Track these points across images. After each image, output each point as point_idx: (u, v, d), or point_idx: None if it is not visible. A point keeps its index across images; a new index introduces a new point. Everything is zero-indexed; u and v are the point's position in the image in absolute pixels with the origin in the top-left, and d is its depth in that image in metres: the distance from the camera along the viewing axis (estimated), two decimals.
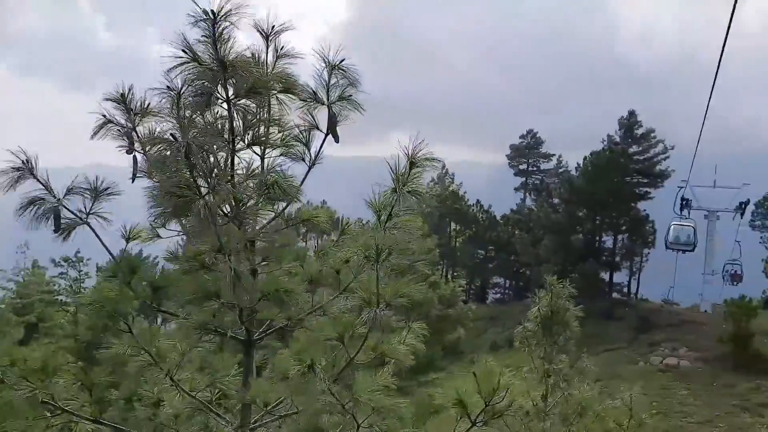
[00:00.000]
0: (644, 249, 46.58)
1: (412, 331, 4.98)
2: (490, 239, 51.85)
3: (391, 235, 4.04)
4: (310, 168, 4.58)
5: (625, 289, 48.07)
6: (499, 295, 55.51)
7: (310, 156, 4.57)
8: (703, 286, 39.90)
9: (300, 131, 4.53)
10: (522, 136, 57.45)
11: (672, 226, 36.36)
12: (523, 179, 57.31)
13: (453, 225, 52.76)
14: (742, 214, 38.69)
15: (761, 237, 46.21)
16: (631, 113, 45.93)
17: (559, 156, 54.09)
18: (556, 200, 46.33)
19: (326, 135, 4.48)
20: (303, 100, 4.44)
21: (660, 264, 46.95)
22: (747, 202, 38.69)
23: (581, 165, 43.98)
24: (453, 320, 26.63)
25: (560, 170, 50.18)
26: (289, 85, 4.34)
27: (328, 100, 4.40)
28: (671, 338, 35.07)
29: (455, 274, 56.03)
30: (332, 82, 4.38)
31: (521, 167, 58.03)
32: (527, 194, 55.39)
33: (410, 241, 4.17)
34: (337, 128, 4.45)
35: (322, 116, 4.47)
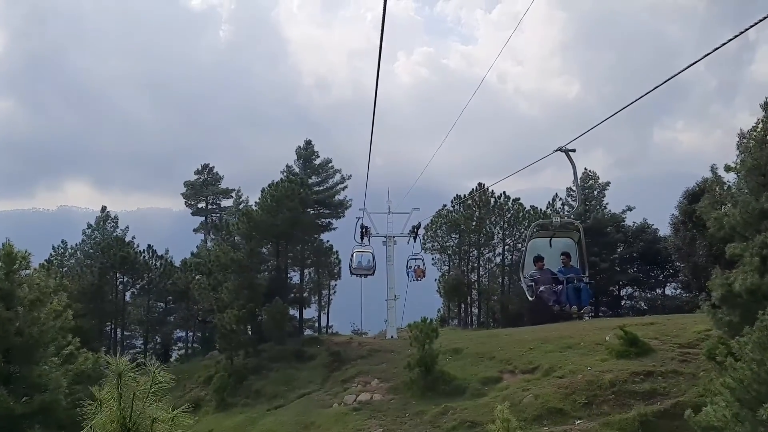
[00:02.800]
0: (331, 281, 45.54)
1: None
2: (166, 288, 45.17)
3: None
4: None
5: (317, 325, 46.39)
6: (184, 351, 48.69)
7: None
8: (388, 311, 39.89)
9: None
10: (197, 172, 52.35)
11: (354, 253, 36.07)
12: (203, 218, 52.12)
13: (120, 276, 44.45)
14: (415, 238, 39.89)
15: (432, 258, 49.11)
16: (308, 143, 44.94)
17: (239, 190, 50.51)
18: (237, 238, 42.26)
19: None
20: None
21: (347, 294, 46.51)
22: (418, 226, 40.06)
23: (260, 198, 40.90)
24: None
25: (240, 206, 46.45)
26: None
27: None
28: (363, 371, 33.54)
29: (127, 333, 47.67)
30: None
31: (199, 206, 52.81)
32: (207, 234, 50.35)
33: None
34: None
35: None
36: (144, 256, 45.15)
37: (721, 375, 19.97)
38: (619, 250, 49.71)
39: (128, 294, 46.22)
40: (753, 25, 5.45)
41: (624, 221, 49.08)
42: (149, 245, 45.96)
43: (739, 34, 5.72)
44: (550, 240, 12.63)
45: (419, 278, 38.08)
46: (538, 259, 12.58)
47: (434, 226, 48.23)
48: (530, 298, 12.70)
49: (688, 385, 25.95)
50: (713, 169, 27.61)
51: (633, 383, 26.48)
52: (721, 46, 5.69)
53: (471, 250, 48.03)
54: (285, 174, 42.51)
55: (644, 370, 27.08)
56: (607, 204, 49.56)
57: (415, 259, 38.64)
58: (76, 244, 45.80)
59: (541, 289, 12.16)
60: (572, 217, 13.70)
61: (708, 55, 5.82)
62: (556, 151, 10.24)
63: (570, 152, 10.42)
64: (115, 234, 45.97)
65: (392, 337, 39.12)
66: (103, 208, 46.76)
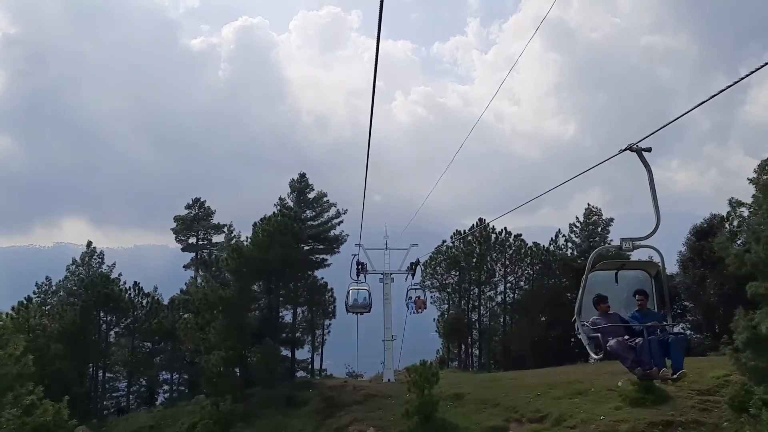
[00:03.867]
0: (325, 320, 43.45)
1: None
2: (152, 328, 42.85)
3: None
4: None
5: (310, 366, 44.11)
6: (169, 394, 46.11)
7: None
8: (385, 353, 37.76)
9: None
10: (188, 206, 50.55)
11: (350, 291, 34.48)
12: (194, 254, 50.13)
13: (103, 315, 42.09)
14: (413, 275, 38.10)
15: (431, 296, 47.04)
16: (302, 176, 43.46)
17: (230, 225, 48.69)
18: (228, 275, 40.33)
19: None
20: None
21: (343, 333, 44.42)
22: (417, 262, 38.34)
23: (252, 233, 39.15)
24: None
25: (232, 241, 44.57)
26: None
27: None
28: (358, 419, 31.30)
29: (110, 375, 45.21)
30: None
31: (190, 241, 50.88)
32: (197, 271, 48.26)
33: None
34: None
35: None
36: (129, 294, 43.02)
37: (755, 429, 18.07)
38: None
39: (112, 333, 43.82)
40: (751, 73, 5.53)
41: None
42: (135, 282, 43.88)
43: (737, 81, 5.78)
44: (616, 274, 9.59)
45: (420, 310, 36.09)
46: (601, 301, 9.31)
47: (433, 263, 46.41)
48: (594, 357, 9.04)
49: None
50: (731, 202, 26.17)
51: None
52: (719, 93, 5.88)
53: (471, 287, 46.08)
54: (278, 208, 40.82)
55: (662, 420, 24.99)
56: (611, 241, 47.85)
57: (416, 289, 36.79)
58: (60, 281, 43.77)
59: (610, 343, 8.75)
60: (646, 242, 8.91)
61: (706, 101, 6.01)
62: (626, 150, 7.69)
63: (644, 151, 7.83)
64: (100, 270, 43.96)
65: (389, 380, 36.94)
66: (89, 243, 44.89)
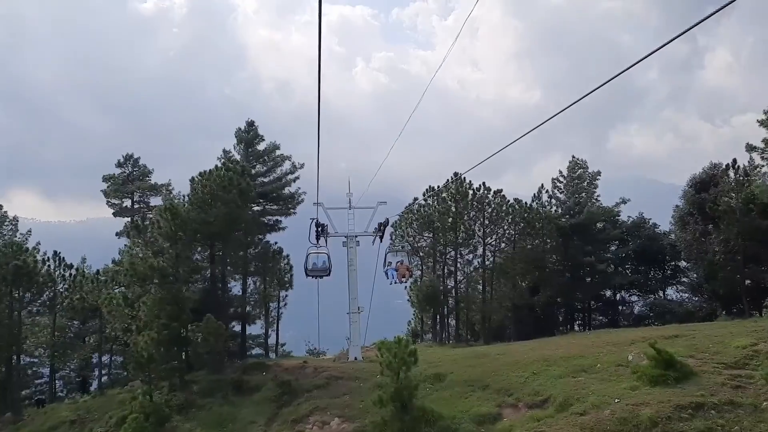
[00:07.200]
0: (281, 291, 37.95)
1: None
2: (72, 305, 36.54)
3: None
4: None
5: (265, 343, 38.74)
6: (98, 380, 40.17)
7: None
8: (350, 327, 32.59)
9: None
10: (120, 164, 43.64)
11: (309, 255, 29.28)
12: (128, 219, 43.56)
13: (15, 291, 35.31)
14: (381, 237, 32.80)
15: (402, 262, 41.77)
16: (250, 124, 37.42)
17: (169, 184, 42.34)
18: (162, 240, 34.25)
19: None
20: None
21: (302, 306, 39.14)
22: (386, 223, 33.09)
23: (190, 190, 33.04)
24: None
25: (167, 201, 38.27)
26: None
27: None
28: (319, 407, 26.10)
29: (33, 360, 38.97)
30: None
31: (125, 204, 44.25)
32: (129, 238, 41.81)
33: None
34: None
35: None
36: (48, 266, 36.39)
37: None
38: (612, 248, 43.64)
39: (25, 312, 36.83)
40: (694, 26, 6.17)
41: (618, 215, 42.92)
42: (55, 252, 37.13)
43: (682, 33, 6.17)
44: None
45: (404, 279, 30.82)
46: None
47: (404, 224, 41.10)
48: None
49: (752, 422, 19.39)
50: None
51: (680, 420, 19.74)
52: (664, 45, 6.47)
53: (447, 251, 40.98)
54: (222, 161, 34.74)
55: (692, 402, 20.36)
56: (599, 196, 43.39)
57: (396, 252, 31.55)
58: None
59: None
60: None
61: (653, 53, 6.59)
62: None
63: None
64: (13, 239, 37.21)
65: (356, 358, 31.88)
66: None
